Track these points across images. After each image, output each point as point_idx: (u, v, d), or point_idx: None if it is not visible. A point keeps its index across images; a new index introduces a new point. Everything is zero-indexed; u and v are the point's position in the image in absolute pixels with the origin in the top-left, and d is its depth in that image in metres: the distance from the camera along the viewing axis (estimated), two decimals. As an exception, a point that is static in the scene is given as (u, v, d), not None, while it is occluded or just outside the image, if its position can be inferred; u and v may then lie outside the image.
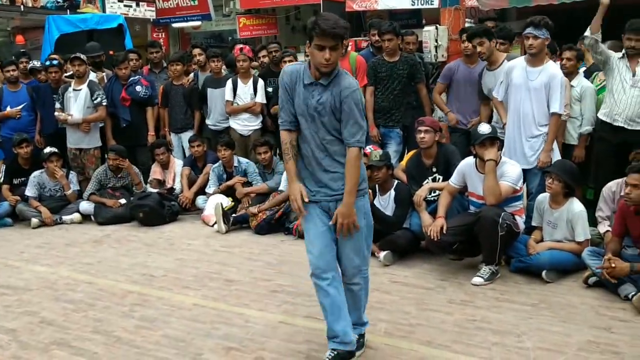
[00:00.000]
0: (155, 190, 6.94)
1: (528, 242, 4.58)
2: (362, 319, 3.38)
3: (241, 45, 7.49)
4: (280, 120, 3.20)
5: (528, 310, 3.93)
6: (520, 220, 4.56)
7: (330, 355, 3.17)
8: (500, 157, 4.57)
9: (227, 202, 6.52)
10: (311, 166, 3.15)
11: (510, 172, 4.47)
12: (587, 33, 5.02)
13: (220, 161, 6.77)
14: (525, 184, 4.97)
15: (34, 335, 3.74)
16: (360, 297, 3.32)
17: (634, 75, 4.93)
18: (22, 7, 11.55)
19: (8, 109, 7.28)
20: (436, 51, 6.86)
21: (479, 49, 5.58)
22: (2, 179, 7.03)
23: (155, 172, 7.16)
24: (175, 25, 14.46)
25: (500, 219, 4.28)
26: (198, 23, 14.32)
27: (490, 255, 4.42)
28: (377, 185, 5.21)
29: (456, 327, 3.70)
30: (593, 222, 4.72)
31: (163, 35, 14.38)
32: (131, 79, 7.21)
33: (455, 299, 4.15)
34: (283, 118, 3.17)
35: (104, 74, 7.66)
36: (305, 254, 5.24)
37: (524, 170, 4.71)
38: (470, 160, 4.61)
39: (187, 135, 7.32)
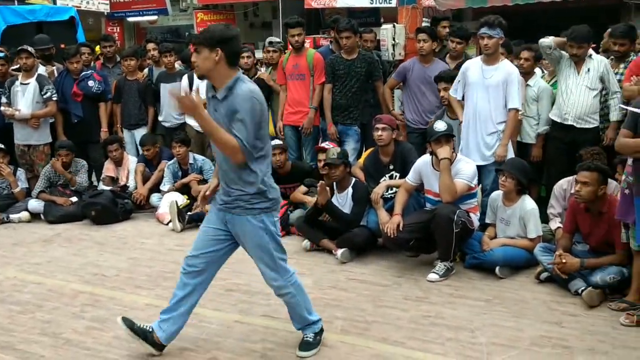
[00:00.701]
0: (108, 188, 6.77)
1: (482, 239, 4.64)
2: (309, 320, 3.37)
3: (197, 41, 7.35)
4: None
5: (482, 305, 3.99)
6: (475, 218, 4.63)
7: None
8: (456, 155, 4.62)
9: (182, 200, 6.40)
10: (221, 172, 3.20)
11: (465, 169, 4.53)
12: (548, 39, 5.14)
13: (175, 158, 6.65)
14: (479, 182, 5.05)
15: (-23, 339, 3.58)
16: (297, 303, 3.32)
17: (578, 74, 5.08)
18: (-34, -3, 11.12)
19: (-48, 103, 6.98)
20: (393, 49, 6.91)
21: (422, 44, 5.75)
22: (-54, 175, 6.73)
23: (108, 169, 6.97)
24: (130, 19, 14.17)
25: (455, 217, 4.33)
26: (154, 18, 14.08)
27: (446, 252, 4.47)
28: (334, 183, 5.20)
29: (412, 323, 3.72)
30: (545, 219, 4.83)
31: (118, 30, 14.07)
32: (83, 73, 7.00)
33: (411, 295, 4.18)
34: None
35: (54, 67, 7.41)
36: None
37: (478, 168, 4.78)
38: (426, 158, 4.65)
39: (140, 132, 7.16)
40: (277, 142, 5.93)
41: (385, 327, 3.67)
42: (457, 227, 4.34)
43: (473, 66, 5.13)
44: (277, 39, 7.32)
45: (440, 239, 4.44)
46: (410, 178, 4.74)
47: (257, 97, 3.03)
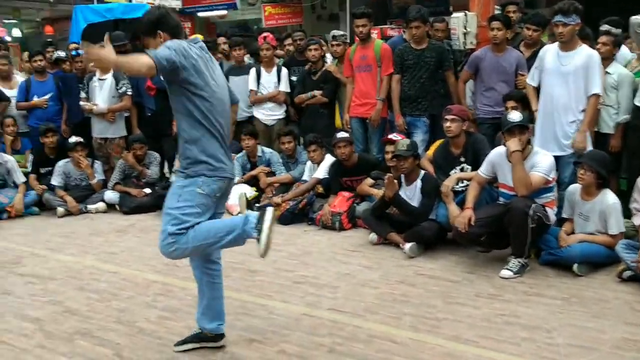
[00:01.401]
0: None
1: (559, 235, 4.43)
2: None
3: (265, 34, 7.41)
4: None
5: (559, 304, 3.81)
6: (552, 212, 4.42)
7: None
8: (532, 147, 4.43)
9: (250, 192, 6.48)
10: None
11: (542, 162, 4.32)
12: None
13: (244, 151, 6.73)
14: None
15: (58, 325, 3.74)
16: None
17: None
18: (50, -3, 11.68)
19: (35, 98, 7.34)
20: (465, 38, 6.67)
21: (495, 32, 5.57)
22: (30, 168, 7.09)
23: (180, 161, 7.14)
24: (201, 14, 14.45)
25: (531, 211, 4.15)
26: (224, 12, 14.30)
27: (520, 248, 4.29)
28: (402, 176, 5.11)
29: (484, 321, 3.59)
30: (627, 214, 4.55)
31: (189, 25, 14.39)
32: None
33: (483, 292, 4.04)
34: None
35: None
36: (328, 245, 5.24)
37: (555, 159, 4.55)
38: (500, 149, 4.46)
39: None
40: (342, 134, 5.89)
41: (457, 324, 3.56)
42: (533, 222, 4.16)
43: (550, 52, 4.92)
44: (341, 32, 7.28)
45: (514, 234, 4.27)
46: (483, 170, 4.58)
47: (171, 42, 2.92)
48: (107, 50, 2.71)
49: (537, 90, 5.10)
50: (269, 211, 2.99)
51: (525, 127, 4.32)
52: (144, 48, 3.09)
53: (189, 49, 2.95)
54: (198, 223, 2.98)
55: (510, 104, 5.34)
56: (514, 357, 3.18)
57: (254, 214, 3.02)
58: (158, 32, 3.05)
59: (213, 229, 3.01)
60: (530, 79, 5.13)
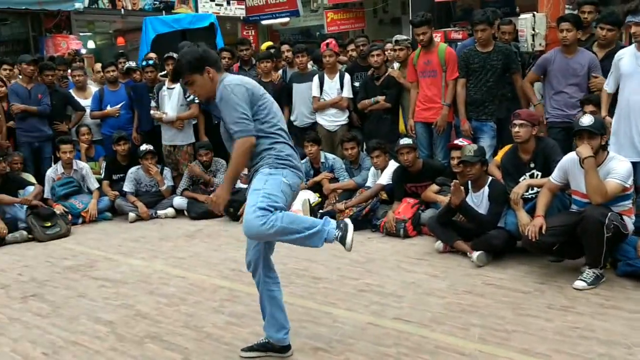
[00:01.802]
0: (244, 186, 7.03)
1: (637, 244, 4.20)
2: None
3: (327, 40, 7.43)
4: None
5: (638, 318, 3.60)
6: (629, 221, 4.19)
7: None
8: (608, 152, 4.22)
9: (314, 198, 6.50)
10: None
11: (619, 168, 4.11)
12: None
13: (307, 157, 6.76)
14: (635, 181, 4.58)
15: (130, 328, 3.86)
16: None
17: None
18: (122, 10, 12.14)
19: (108, 107, 7.64)
20: (533, 40, 6.47)
21: (565, 34, 5.39)
22: (103, 175, 7.39)
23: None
24: (264, 22, 14.67)
25: (607, 220, 3.95)
26: (286, 19, 14.47)
27: (595, 258, 4.10)
28: (469, 182, 4.99)
29: (557, 334, 3.45)
30: None
31: (252, 33, 14.64)
32: None
33: (555, 304, 3.88)
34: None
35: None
36: (392, 252, 5.18)
37: (633, 165, 4.33)
38: (573, 155, 4.27)
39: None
40: (405, 140, 5.80)
41: (528, 337, 3.43)
42: (609, 231, 3.96)
43: (626, 55, 4.71)
44: (404, 37, 7.20)
45: (588, 243, 4.08)
46: (555, 177, 4.40)
47: (228, 85, 3.11)
48: (222, 191, 3.16)
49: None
50: (349, 223, 3.14)
51: (594, 133, 4.10)
52: (189, 85, 3.25)
53: (246, 86, 3.16)
54: (283, 208, 3.06)
55: (589, 108, 5.12)
56: (590, 373, 3.04)
57: (332, 220, 3.16)
58: (206, 68, 3.16)
59: (298, 218, 3.10)
60: (606, 85, 4.95)
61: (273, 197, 3.02)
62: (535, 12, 6.54)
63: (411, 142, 5.80)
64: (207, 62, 3.17)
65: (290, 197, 3.18)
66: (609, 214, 3.99)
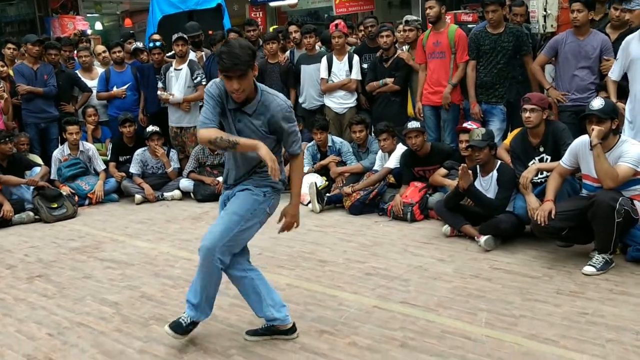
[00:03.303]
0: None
1: (648, 230, 4.14)
2: (191, 301, 3.28)
3: (336, 22, 7.34)
4: (206, 119, 3.02)
5: (648, 305, 3.56)
6: (641, 206, 4.13)
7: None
8: (619, 136, 4.15)
9: (321, 181, 6.47)
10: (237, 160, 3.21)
11: (631, 151, 4.03)
12: None
13: (314, 140, 6.71)
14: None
15: (135, 310, 3.85)
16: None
17: None
18: (129, -9, 12.05)
19: (114, 89, 7.60)
20: (544, 21, 6.35)
21: (575, 14, 5.27)
22: (109, 156, 7.37)
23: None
24: (272, 4, 14.54)
25: (618, 204, 3.89)
26: (295, 1, 14.34)
27: (604, 243, 4.04)
28: (478, 166, 4.93)
29: (565, 320, 3.41)
30: None
31: (260, 15, 14.52)
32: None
33: (564, 289, 3.83)
34: (209, 118, 3.02)
35: (202, 53, 7.79)
36: (399, 236, 5.14)
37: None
38: (584, 139, 4.19)
39: (283, 114, 7.30)
40: (414, 124, 5.71)
41: (535, 322, 3.39)
42: (619, 216, 3.90)
43: (634, 41, 4.61)
44: (414, 17, 7.09)
45: (598, 228, 4.02)
46: (566, 161, 4.33)
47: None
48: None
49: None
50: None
51: (602, 118, 4.01)
52: (239, 79, 2.91)
53: None
54: None
55: (604, 94, 5.02)
56: (598, 359, 3.00)
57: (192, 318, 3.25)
58: (255, 65, 3.00)
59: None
60: (611, 73, 4.85)
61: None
62: (547, -7, 6.42)
63: (419, 126, 5.73)
64: (255, 59, 2.98)
65: None
66: (620, 198, 3.93)
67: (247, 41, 3.17)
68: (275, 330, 3.33)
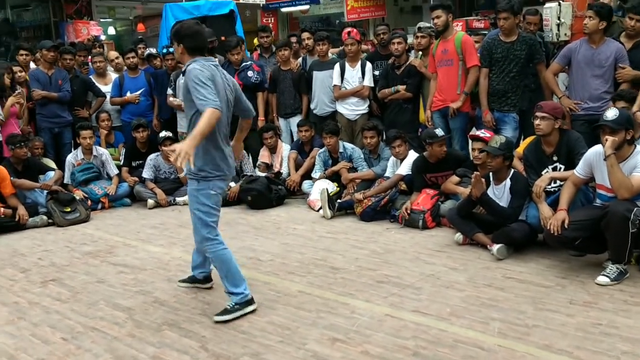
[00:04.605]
0: (263, 174, 7.03)
1: (663, 240, 4.11)
2: (228, 289, 3.80)
3: (349, 29, 7.36)
4: (216, 101, 3.44)
5: (663, 316, 3.54)
6: (656, 216, 4.10)
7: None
8: (635, 146, 4.12)
9: (332, 187, 6.48)
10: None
11: (646, 162, 4.02)
12: None
13: (325, 146, 6.73)
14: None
15: (148, 315, 3.87)
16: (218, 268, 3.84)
17: None
18: (142, -4, 12.15)
19: (128, 94, 7.66)
20: (558, 29, 6.34)
21: (585, 21, 5.28)
22: (122, 161, 7.42)
23: (264, 156, 7.25)
24: (284, 9, 14.61)
25: (632, 215, 3.86)
26: (306, 7, 14.40)
27: (619, 254, 4.02)
28: (491, 174, 4.92)
29: (579, 331, 3.39)
30: None
31: (272, 20, 14.59)
32: (243, 64, 7.30)
33: (577, 299, 3.81)
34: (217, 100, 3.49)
35: (216, 59, 7.81)
36: (411, 243, 5.14)
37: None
38: (598, 148, 4.18)
39: (295, 120, 7.34)
40: (439, 131, 5.67)
41: (548, 333, 3.38)
42: (634, 226, 3.87)
43: None
44: (427, 24, 7.09)
45: (612, 239, 4.00)
46: (580, 170, 4.31)
47: (196, 67, 3.53)
48: (187, 144, 3.24)
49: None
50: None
51: (615, 130, 4.00)
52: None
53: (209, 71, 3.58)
54: None
55: (620, 104, 4.97)
56: (613, 371, 2.99)
57: (240, 298, 3.77)
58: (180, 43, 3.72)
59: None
60: None
61: None
62: (561, 1, 6.40)
63: (444, 134, 5.70)
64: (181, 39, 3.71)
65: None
66: (635, 209, 3.90)
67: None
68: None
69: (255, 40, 8.93)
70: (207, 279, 4.27)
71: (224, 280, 3.78)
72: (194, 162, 3.33)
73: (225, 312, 3.72)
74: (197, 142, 3.31)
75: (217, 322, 3.67)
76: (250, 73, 7.21)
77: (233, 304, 3.74)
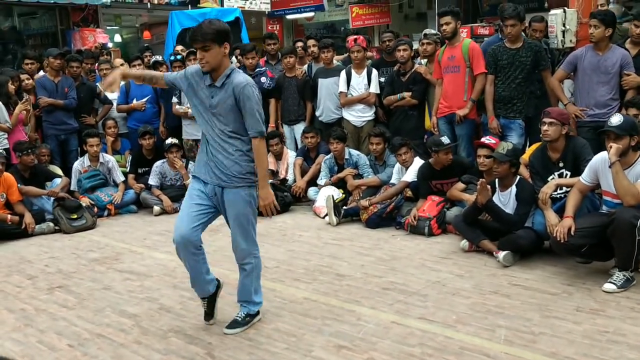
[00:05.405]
0: (269, 181, 7.02)
1: (670, 247, 4.09)
2: (252, 298, 3.73)
3: (355, 36, 7.39)
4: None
5: (670, 324, 3.52)
6: (662, 223, 4.09)
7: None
8: (640, 153, 4.12)
9: (338, 194, 6.48)
10: (210, 151, 3.53)
11: (651, 169, 4.01)
12: None
13: (331, 153, 6.74)
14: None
15: (154, 322, 3.88)
16: (252, 278, 3.72)
17: None
18: (148, 4, 12.23)
19: (134, 101, 7.70)
20: (563, 36, 6.35)
21: (592, 30, 5.28)
22: (128, 168, 7.44)
23: (269, 162, 7.26)
24: (289, 17, 14.66)
25: (638, 222, 3.85)
26: (311, 14, 14.45)
27: (625, 261, 4.01)
28: (496, 181, 4.92)
29: (586, 338, 3.38)
30: None
31: (277, 27, 14.65)
32: (258, 69, 7.33)
33: (584, 306, 3.80)
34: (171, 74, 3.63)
35: (232, 63, 7.85)
36: (417, 250, 5.13)
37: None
38: (604, 155, 4.17)
39: (300, 127, 7.35)
40: (446, 139, 5.67)
41: (555, 340, 3.37)
42: (641, 233, 3.87)
43: None
44: (433, 31, 7.11)
45: (619, 246, 3.99)
46: (586, 177, 4.30)
47: (252, 85, 3.42)
48: (264, 192, 3.55)
49: None
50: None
51: (621, 136, 3.99)
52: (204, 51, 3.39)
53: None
54: None
55: (632, 111, 4.95)
56: (621, 379, 2.97)
57: (257, 310, 3.78)
58: (225, 44, 3.40)
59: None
60: None
61: None
62: (566, 8, 6.41)
63: (449, 142, 5.71)
64: (228, 39, 3.39)
65: None
66: (641, 216, 3.89)
67: (222, 22, 3.44)
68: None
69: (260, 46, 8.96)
70: (218, 287, 3.93)
71: (253, 292, 3.72)
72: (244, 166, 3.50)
73: (235, 324, 3.67)
74: (267, 182, 3.55)
75: (227, 334, 3.62)
76: (263, 79, 7.25)
77: (243, 315, 3.70)
